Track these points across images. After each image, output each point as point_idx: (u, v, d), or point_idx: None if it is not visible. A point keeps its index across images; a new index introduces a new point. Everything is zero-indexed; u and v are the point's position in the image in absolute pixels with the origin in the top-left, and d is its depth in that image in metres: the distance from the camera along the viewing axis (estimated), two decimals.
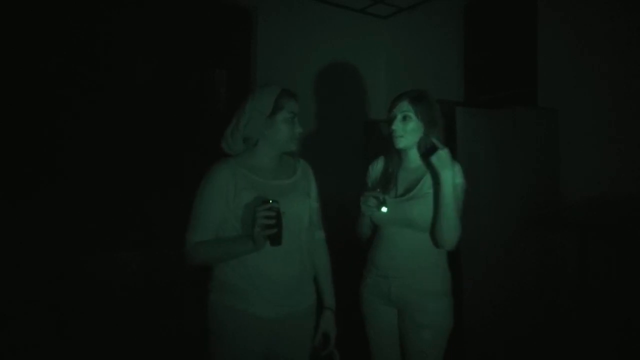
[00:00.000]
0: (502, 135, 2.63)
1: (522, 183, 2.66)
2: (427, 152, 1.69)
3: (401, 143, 1.76)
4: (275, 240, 1.49)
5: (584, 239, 2.64)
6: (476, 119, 2.56)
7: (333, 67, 3.94)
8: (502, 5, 3.38)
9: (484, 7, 3.50)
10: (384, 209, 1.69)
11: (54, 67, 2.84)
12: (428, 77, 3.80)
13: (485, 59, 3.48)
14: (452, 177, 1.66)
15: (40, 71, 2.80)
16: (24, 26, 2.76)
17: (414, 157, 1.81)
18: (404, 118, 1.75)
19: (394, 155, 1.84)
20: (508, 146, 2.63)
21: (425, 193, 1.74)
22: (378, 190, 1.74)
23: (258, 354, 1.65)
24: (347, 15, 4.03)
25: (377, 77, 4.21)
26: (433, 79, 3.74)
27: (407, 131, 1.75)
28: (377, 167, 1.91)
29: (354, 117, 3.98)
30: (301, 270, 1.68)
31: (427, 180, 1.76)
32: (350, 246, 1.97)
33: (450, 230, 1.68)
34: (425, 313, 1.74)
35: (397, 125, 1.75)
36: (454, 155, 1.80)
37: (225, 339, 1.63)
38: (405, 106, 1.75)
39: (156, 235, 2.95)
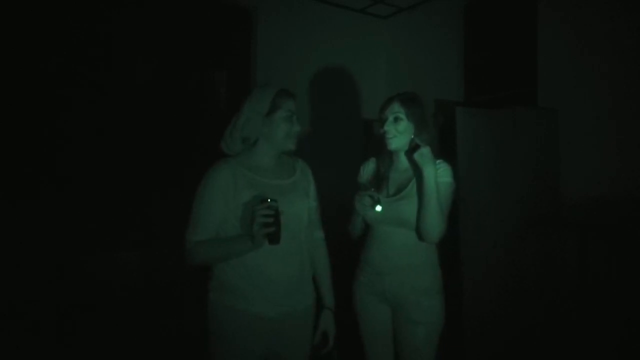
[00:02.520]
0: (502, 135, 2.63)
1: (522, 183, 2.66)
2: (410, 150, 1.76)
3: (393, 144, 1.80)
4: (274, 239, 1.50)
5: (584, 239, 2.64)
6: (476, 119, 2.56)
7: (333, 67, 3.94)
8: (502, 5, 3.38)
9: (484, 7, 3.50)
10: (379, 208, 1.73)
11: (54, 67, 2.84)
12: (428, 77, 3.79)
13: (485, 59, 3.48)
14: (434, 173, 1.70)
15: (40, 71, 2.80)
16: (24, 26, 2.76)
17: (404, 158, 1.85)
18: (395, 119, 1.79)
19: (386, 156, 1.89)
20: (508, 146, 2.63)
21: (416, 192, 1.78)
22: (372, 189, 1.78)
23: (258, 354, 1.65)
24: (347, 15, 4.02)
25: (377, 77, 4.21)
26: (433, 79, 3.74)
27: (399, 132, 1.79)
28: (368, 168, 1.95)
29: (353, 117, 3.98)
30: (301, 270, 1.69)
31: (418, 180, 1.78)
32: (349, 245, 1.97)
33: (434, 225, 1.71)
34: (420, 310, 1.77)
35: (389, 127, 1.79)
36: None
37: (225, 339, 1.63)
38: (396, 108, 1.79)
39: (156, 236, 2.95)
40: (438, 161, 1.78)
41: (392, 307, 1.83)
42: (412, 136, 1.79)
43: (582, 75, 2.81)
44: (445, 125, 2.49)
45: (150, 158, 3.15)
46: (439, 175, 1.73)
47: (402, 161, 1.86)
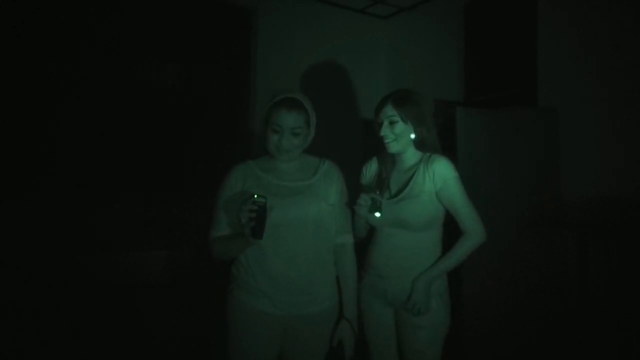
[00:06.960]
0: (502, 135, 2.63)
1: (522, 183, 2.66)
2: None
3: (394, 148, 1.77)
4: (255, 233, 1.52)
5: (584, 239, 2.64)
6: (476, 119, 2.56)
7: (333, 67, 3.94)
8: (502, 5, 3.38)
9: (483, 7, 3.50)
10: (377, 214, 1.71)
11: (54, 67, 2.84)
12: (428, 77, 3.79)
13: (485, 58, 3.48)
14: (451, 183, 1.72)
15: (41, 71, 2.80)
16: (22, 26, 2.76)
17: (408, 158, 1.82)
18: (391, 123, 1.75)
19: (388, 156, 1.85)
20: (508, 146, 2.63)
21: (416, 192, 1.74)
22: (377, 192, 1.75)
23: (268, 351, 1.69)
24: (347, 15, 4.02)
25: (376, 77, 4.20)
26: (433, 79, 3.74)
27: (397, 135, 1.75)
28: (371, 169, 1.92)
29: (352, 117, 3.98)
30: (310, 273, 1.68)
31: (417, 180, 1.76)
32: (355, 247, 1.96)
33: (475, 223, 1.75)
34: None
35: (385, 131, 1.76)
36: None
37: (237, 332, 1.69)
38: (389, 111, 1.75)
39: (160, 236, 2.96)
40: (433, 157, 1.75)
41: (395, 309, 1.80)
42: (413, 135, 1.76)
43: (582, 75, 2.80)
44: (445, 125, 2.49)
45: (150, 158, 3.15)
46: (442, 178, 1.71)
47: (405, 160, 1.82)
